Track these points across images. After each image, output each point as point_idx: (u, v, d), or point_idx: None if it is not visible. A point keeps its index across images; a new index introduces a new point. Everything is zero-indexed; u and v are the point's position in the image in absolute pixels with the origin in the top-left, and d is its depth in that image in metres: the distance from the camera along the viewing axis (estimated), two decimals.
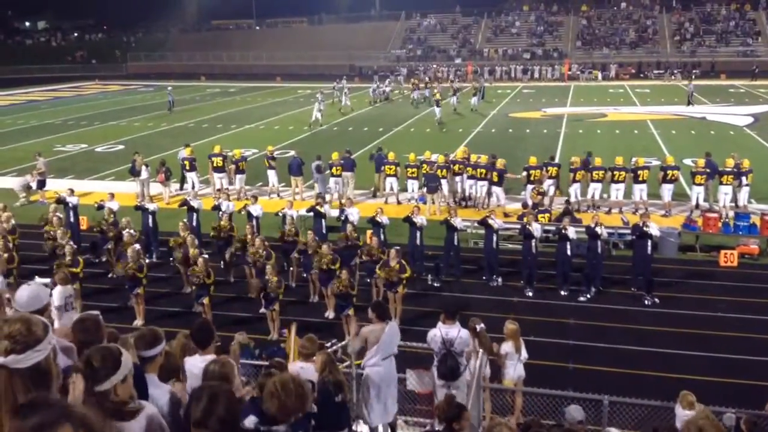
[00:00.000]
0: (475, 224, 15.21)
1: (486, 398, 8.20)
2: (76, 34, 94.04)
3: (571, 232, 13.31)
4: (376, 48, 67.43)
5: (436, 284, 13.94)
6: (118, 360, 2.94)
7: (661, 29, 64.19)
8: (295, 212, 15.32)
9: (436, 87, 41.57)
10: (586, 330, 11.83)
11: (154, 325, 5.64)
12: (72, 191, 16.73)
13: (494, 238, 14.00)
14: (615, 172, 17.96)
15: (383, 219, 14.36)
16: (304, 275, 13.54)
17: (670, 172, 17.76)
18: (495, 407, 8.51)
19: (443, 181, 18.87)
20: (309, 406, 4.17)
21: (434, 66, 60.89)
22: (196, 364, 4.95)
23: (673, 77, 53.83)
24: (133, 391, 3.02)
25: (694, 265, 14.83)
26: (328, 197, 18.89)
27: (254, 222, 14.93)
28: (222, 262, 14.35)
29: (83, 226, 16.71)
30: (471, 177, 18.94)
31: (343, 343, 9.46)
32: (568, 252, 13.32)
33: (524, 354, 8.82)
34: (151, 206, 15.73)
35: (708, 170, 17.61)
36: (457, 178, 19.35)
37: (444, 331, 7.33)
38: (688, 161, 21.42)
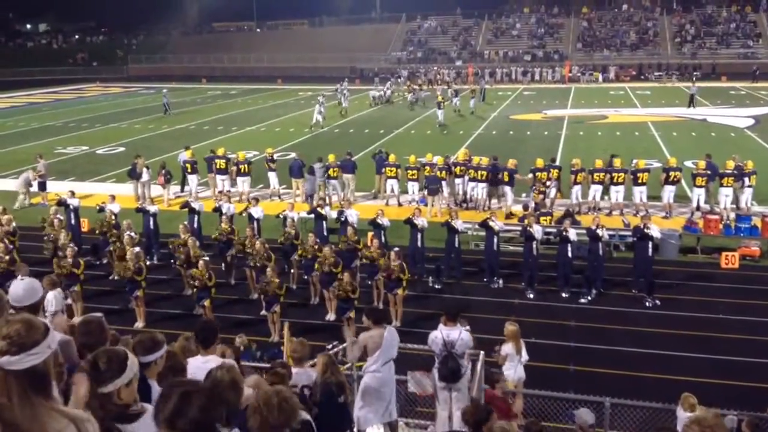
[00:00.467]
0: (476, 226, 15.23)
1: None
2: (77, 37, 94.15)
3: (572, 233, 13.31)
4: (376, 50, 67.44)
5: (437, 286, 13.94)
6: (124, 363, 2.95)
7: (661, 31, 64.19)
8: (296, 214, 15.34)
9: (438, 89, 41.53)
10: (587, 332, 11.84)
11: (155, 327, 5.65)
12: (73, 193, 16.78)
13: (495, 240, 14.00)
14: (614, 174, 17.97)
15: (384, 221, 14.37)
16: (305, 277, 13.55)
17: (672, 173, 17.75)
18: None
19: (444, 183, 18.89)
20: (295, 420, 3.83)
21: (435, 68, 60.94)
22: (197, 364, 4.89)
23: (669, 80, 53.79)
24: (136, 394, 3.02)
25: (695, 267, 14.81)
26: (330, 198, 18.85)
27: (255, 224, 14.93)
28: (223, 265, 14.36)
29: (84, 228, 16.74)
30: (472, 179, 18.95)
31: (344, 345, 9.45)
32: (569, 254, 13.32)
33: (525, 356, 8.83)
34: (152, 208, 15.75)
35: (709, 172, 17.60)
36: (458, 181, 19.36)
37: (445, 333, 7.33)
38: (688, 163, 21.40)
